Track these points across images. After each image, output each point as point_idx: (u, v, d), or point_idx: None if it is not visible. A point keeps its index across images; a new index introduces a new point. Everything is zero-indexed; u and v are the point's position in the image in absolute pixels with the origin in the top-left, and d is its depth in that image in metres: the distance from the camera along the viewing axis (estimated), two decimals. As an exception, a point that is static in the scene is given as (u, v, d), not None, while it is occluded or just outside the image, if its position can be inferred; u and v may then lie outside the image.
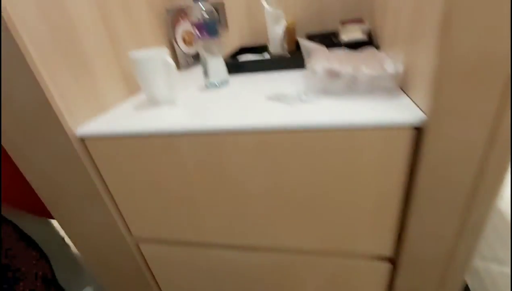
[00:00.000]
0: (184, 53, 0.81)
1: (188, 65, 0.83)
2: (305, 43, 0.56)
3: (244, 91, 0.56)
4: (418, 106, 0.39)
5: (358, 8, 0.78)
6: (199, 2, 0.54)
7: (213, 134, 0.44)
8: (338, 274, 0.55)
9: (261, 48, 0.83)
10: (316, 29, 0.82)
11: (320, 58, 0.50)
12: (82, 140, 0.49)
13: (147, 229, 0.59)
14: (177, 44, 0.79)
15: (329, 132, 0.40)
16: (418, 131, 0.37)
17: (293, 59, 0.67)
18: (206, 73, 0.59)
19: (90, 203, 0.55)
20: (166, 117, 0.49)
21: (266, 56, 0.77)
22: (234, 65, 0.68)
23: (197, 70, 0.79)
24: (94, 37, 0.52)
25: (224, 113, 0.47)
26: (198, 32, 0.55)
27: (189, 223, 0.55)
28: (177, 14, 0.78)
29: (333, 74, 0.45)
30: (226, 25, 0.88)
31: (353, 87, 0.45)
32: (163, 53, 0.51)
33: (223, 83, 0.60)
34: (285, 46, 0.74)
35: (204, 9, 0.54)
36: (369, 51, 0.52)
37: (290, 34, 0.75)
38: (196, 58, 0.85)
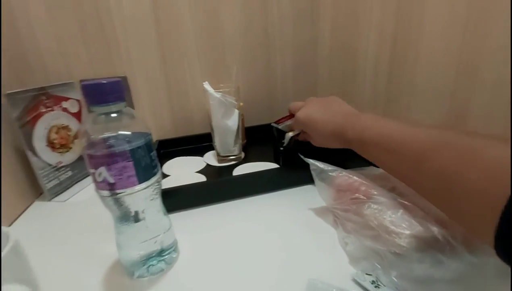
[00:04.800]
0: (50, 165, 0.43)
1: (59, 189, 0.44)
2: (316, 164, 0.33)
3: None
4: None
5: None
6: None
7: None
8: None
9: (186, 142, 0.56)
10: (265, 116, 0.60)
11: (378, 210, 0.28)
12: None
13: None
14: (36, 154, 0.41)
15: None
16: None
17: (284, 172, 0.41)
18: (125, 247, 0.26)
19: None
20: None
21: (209, 159, 0.50)
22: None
23: (80, 200, 0.42)
24: None
25: None
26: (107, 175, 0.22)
27: None
28: (35, 102, 0.41)
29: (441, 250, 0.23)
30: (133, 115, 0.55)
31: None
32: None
33: (170, 259, 0.28)
34: (240, 145, 0.49)
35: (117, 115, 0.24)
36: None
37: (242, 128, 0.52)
38: (77, 169, 0.47)
